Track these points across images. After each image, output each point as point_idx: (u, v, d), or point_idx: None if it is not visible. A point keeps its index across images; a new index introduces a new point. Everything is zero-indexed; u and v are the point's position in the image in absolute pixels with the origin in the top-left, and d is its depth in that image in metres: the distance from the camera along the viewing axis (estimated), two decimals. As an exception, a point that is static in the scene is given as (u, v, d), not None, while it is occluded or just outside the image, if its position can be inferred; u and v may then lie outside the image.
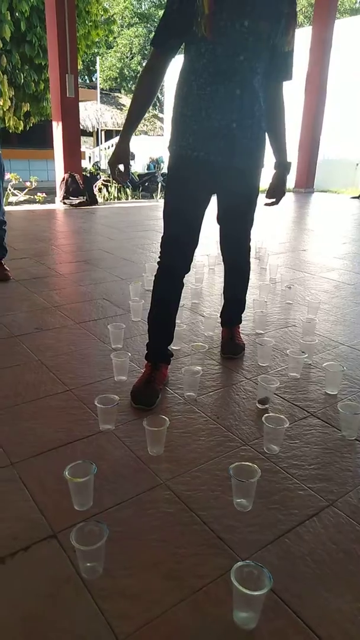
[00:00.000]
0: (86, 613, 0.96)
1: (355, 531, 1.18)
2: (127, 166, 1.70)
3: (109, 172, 1.71)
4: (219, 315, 2.26)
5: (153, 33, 1.63)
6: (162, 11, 1.60)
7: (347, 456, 1.46)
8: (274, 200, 1.88)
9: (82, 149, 11.82)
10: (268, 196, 1.88)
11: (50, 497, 1.26)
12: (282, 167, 1.84)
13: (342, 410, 1.54)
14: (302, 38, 9.21)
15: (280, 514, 1.22)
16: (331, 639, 0.92)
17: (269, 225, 5.38)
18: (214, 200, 1.80)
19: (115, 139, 16.75)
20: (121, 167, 1.69)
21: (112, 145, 16.55)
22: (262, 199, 1.85)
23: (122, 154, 1.68)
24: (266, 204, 1.88)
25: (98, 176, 8.51)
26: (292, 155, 8.65)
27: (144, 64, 1.62)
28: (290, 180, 9.00)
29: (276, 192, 1.87)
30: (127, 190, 8.79)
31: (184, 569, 1.06)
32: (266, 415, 1.49)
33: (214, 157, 1.63)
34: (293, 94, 8.44)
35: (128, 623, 0.94)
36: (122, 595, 1.00)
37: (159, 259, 1.78)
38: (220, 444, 1.51)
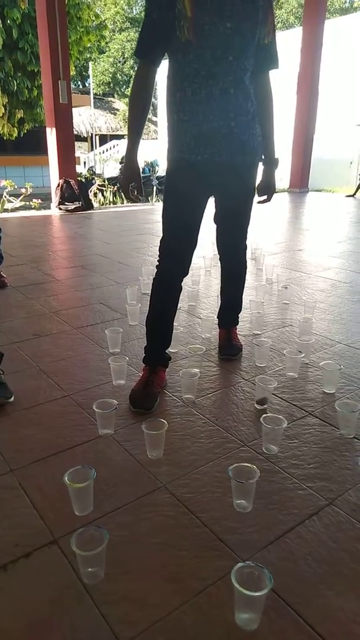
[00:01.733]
0: (88, 618, 0.96)
1: (356, 529, 1.18)
2: (140, 183, 1.71)
3: (121, 190, 1.73)
4: (216, 316, 2.26)
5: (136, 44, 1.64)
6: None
7: (346, 454, 1.47)
8: (265, 197, 1.89)
9: (77, 154, 11.86)
10: (259, 194, 1.89)
11: (50, 503, 1.26)
12: (270, 163, 1.85)
13: (340, 408, 1.55)
14: (293, 38, 9.27)
15: (280, 514, 1.23)
16: (333, 637, 0.92)
17: (265, 226, 5.39)
18: (210, 200, 1.81)
19: (111, 143, 16.81)
20: (133, 185, 1.70)
21: (107, 150, 16.58)
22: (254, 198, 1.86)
23: (133, 173, 1.69)
24: (259, 202, 1.90)
25: (93, 181, 8.53)
26: (286, 155, 8.70)
27: (135, 71, 1.63)
28: (285, 181, 9.03)
29: (267, 189, 1.88)
30: (122, 193, 8.80)
31: (185, 572, 1.06)
32: (264, 415, 1.49)
33: (218, 157, 1.64)
34: (285, 94, 8.48)
35: (130, 627, 0.94)
36: (124, 599, 1.00)
37: (157, 263, 1.79)
38: (220, 445, 1.51)
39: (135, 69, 1.66)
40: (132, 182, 1.70)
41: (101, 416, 1.54)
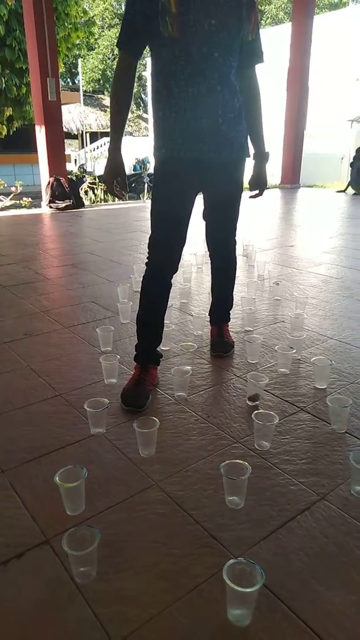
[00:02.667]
0: (81, 618, 0.96)
1: (347, 523, 1.19)
2: (124, 179, 1.68)
3: (105, 187, 1.69)
4: (207, 313, 2.26)
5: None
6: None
7: (338, 449, 1.47)
8: (257, 192, 1.89)
9: (67, 151, 11.78)
10: (251, 189, 1.89)
11: (42, 503, 1.26)
12: (260, 157, 1.85)
13: (331, 403, 1.56)
14: (283, 34, 9.26)
15: (272, 510, 1.23)
16: (325, 631, 0.93)
17: (256, 222, 5.39)
18: (199, 197, 1.80)
19: (102, 140, 16.72)
20: (118, 179, 1.67)
21: (98, 147, 16.50)
22: (246, 193, 1.86)
23: (117, 168, 1.66)
24: (251, 197, 1.90)
25: (84, 179, 8.49)
26: (277, 151, 8.70)
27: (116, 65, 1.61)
28: (276, 177, 9.03)
29: (258, 183, 1.88)
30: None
31: (178, 569, 1.06)
32: (256, 412, 1.50)
33: (206, 154, 1.64)
34: (276, 90, 8.47)
35: (123, 626, 0.94)
36: (116, 598, 1.00)
37: (147, 261, 1.78)
38: (212, 442, 1.51)
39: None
40: (116, 177, 1.66)
41: (92, 415, 1.53)
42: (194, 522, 1.19)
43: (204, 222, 1.97)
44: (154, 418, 1.45)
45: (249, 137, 1.80)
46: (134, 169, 12.73)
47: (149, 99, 17.83)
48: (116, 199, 8.46)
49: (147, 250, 1.78)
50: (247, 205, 1.90)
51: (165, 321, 1.88)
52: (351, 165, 8.24)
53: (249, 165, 1.88)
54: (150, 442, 1.44)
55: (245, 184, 1.91)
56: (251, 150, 1.83)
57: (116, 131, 1.64)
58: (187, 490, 1.30)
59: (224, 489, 1.26)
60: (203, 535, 1.15)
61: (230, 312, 2.23)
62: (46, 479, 1.33)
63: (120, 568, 1.07)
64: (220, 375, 1.95)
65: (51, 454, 1.46)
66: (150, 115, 17.98)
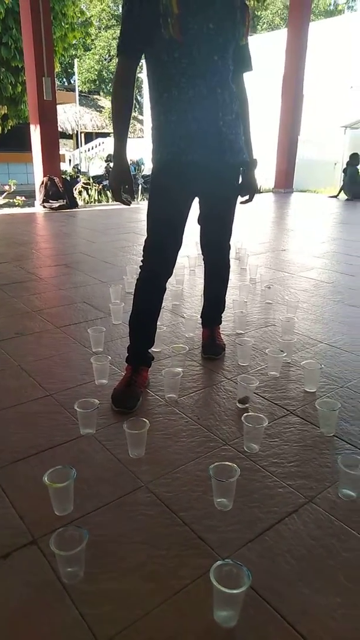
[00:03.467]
0: (67, 618, 0.96)
1: (334, 526, 1.19)
2: (131, 185, 1.66)
3: (111, 195, 1.67)
4: (199, 316, 2.27)
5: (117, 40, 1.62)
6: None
7: (326, 452, 1.48)
8: (247, 198, 1.90)
9: (62, 151, 11.76)
10: (241, 195, 1.90)
11: (30, 503, 1.25)
12: (250, 164, 1.86)
13: (320, 407, 1.57)
14: (278, 40, 9.32)
15: (260, 512, 1.24)
16: (311, 634, 0.93)
17: (249, 226, 5.42)
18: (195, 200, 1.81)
19: (96, 141, 16.70)
20: (125, 187, 1.64)
21: (93, 148, 16.48)
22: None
23: (123, 174, 1.63)
24: (241, 202, 1.91)
25: (78, 179, 8.47)
26: (271, 156, 8.75)
27: (115, 68, 1.61)
28: (270, 181, 9.09)
29: (248, 189, 1.89)
30: (108, 192, 8.76)
31: (165, 571, 1.06)
32: (246, 414, 1.50)
33: (208, 157, 1.64)
34: (270, 95, 8.51)
35: (109, 627, 0.94)
36: (104, 598, 1.00)
37: (141, 264, 1.78)
38: (201, 444, 1.51)
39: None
40: (123, 184, 1.64)
41: (82, 415, 1.53)
42: (182, 524, 1.19)
43: (198, 226, 1.97)
44: (144, 419, 1.45)
45: None
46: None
47: (144, 100, 17.84)
48: (110, 200, 8.46)
49: (142, 253, 1.78)
50: (240, 209, 1.91)
51: (157, 323, 1.88)
52: (344, 171, 8.32)
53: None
54: (140, 443, 1.44)
55: None
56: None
57: (120, 137, 1.62)
58: (176, 492, 1.30)
59: (213, 491, 1.26)
60: (191, 537, 1.15)
61: (222, 315, 2.24)
62: (35, 478, 1.33)
63: (108, 569, 1.07)
64: (210, 377, 1.96)
65: (40, 454, 1.45)
66: (145, 117, 18.00)
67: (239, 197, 1.90)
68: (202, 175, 1.69)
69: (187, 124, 1.60)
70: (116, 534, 1.16)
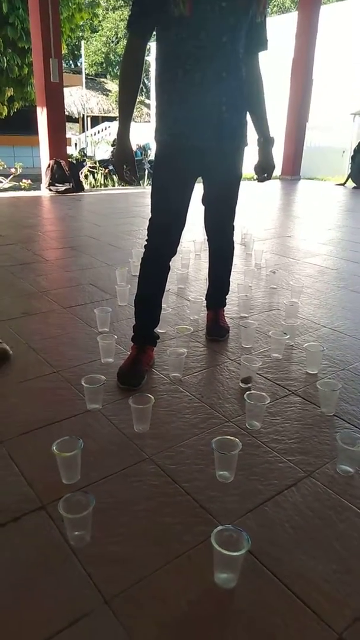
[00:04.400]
0: (74, 577, 1.01)
1: (331, 499, 1.24)
2: (133, 164, 1.68)
3: (115, 173, 1.70)
4: (204, 298, 2.30)
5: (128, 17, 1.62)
6: None
7: (326, 431, 1.52)
8: (265, 175, 1.91)
9: (68, 135, 11.67)
10: (259, 173, 1.91)
11: (38, 472, 1.30)
12: (266, 142, 1.87)
13: (321, 387, 1.60)
14: (289, 24, 9.18)
15: (260, 485, 1.28)
16: (307, 595, 0.98)
17: (255, 212, 5.41)
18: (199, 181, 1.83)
19: (103, 125, 16.56)
20: (127, 166, 1.67)
21: (99, 132, 16.35)
22: (245, 183, 1.88)
23: (125, 153, 1.65)
24: (259, 180, 1.92)
25: (84, 163, 8.44)
26: (278, 142, 8.68)
27: (124, 46, 1.61)
28: (277, 168, 9.02)
29: (266, 167, 1.90)
30: (114, 176, 8.73)
31: (168, 536, 1.11)
32: (248, 392, 1.54)
33: (208, 142, 1.65)
34: (279, 81, 8.41)
35: (114, 585, 0.99)
36: (109, 560, 1.05)
37: (146, 243, 1.81)
38: (204, 421, 1.56)
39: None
40: (125, 165, 1.67)
41: (89, 391, 1.57)
42: (185, 494, 1.24)
43: (202, 207, 1.99)
44: (149, 395, 1.49)
45: (253, 123, 1.82)
46: (135, 154, 12.64)
47: (151, 84, 17.62)
48: (117, 184, 8.43)
49: (147, 232, 1.80)
50: (247, 194, 1.94)
51: (162, 305, 1.91)
52: (352, 158, 8.24)
53: (253, 151, 1.90)
54: (145, 418, 1.48)
55: (250, 170, 1.93)
56: (255, 136, 1.85)
57: (125, 116, 1.63)
58: (179, 465, 1.35)
59: (215, 464, 1.30)
60: (193, 506, 1.20)
61: (227, 298, 2.27)
62: (43, 449, 1.37)
63: (114, 533, 1.11)
64: (214, 358, 1.99)
65: (48, 427, 1.50)
66: (152, 101, 17.81)
67: (256, 176, 1.91)
68: (202, 159, 1.70)
69: (188, 107, 1.60)
70: (121, 501, 1.21)
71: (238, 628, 0.92)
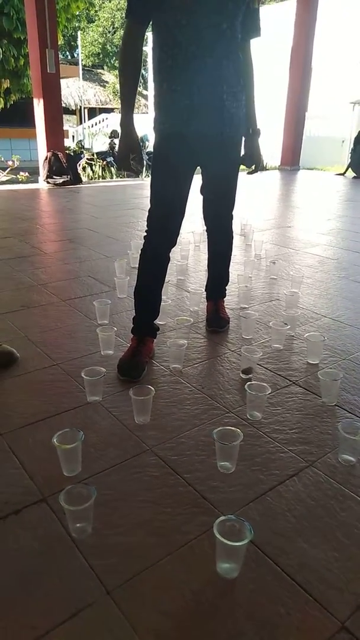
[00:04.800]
0: (76, 569, 1.00)
1: (333, 488, 1.23)
2: (140, 154, 1.63)
3: (112, 165, 1.66)
4: (204, 289, 2.28)
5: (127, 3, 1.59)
6: None
7: (327, 420, 1.52)
8: (252, 168, 1.89)
9: (65, 127, 11.59)
10: (247, 166, 1.90)
11: (39, 464, 1.30)
12: (253, 134, 1.85)
13: (322, 377, 1.59)
14: (287, 12, 9.07)
15: (262, 475, 1.27)
16: (308, 584, 0.98)
17: (255, 203, 5.38)
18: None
19: (100, 116, 16.43)
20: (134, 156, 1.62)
21: (97, 124, 16.23)
22: (242, 174, 1.86)
23: (132, 143, 1.60)
24: (248, 173, 1.90)
25: (82, 155, 8.38)
26: (278, 132, 8.61)
27: (123, 33, 1.58)
28: (276, 158, 8.96)
29: (253, 159, 1.88)
30: (112, 168, 8.67)
31: (170, 527, 1.11)
32: (249, 383, 1.53)
33: (209, 130, 1.63)
34: (277, 70, 8.31)
35: (116, 576, 0.99)
36: (111, 552, 1.04)
37: (145, 234, 1.79)
38: (205, 412, 1.55)
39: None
40: (131, 153, 1.61)
41: (89, 383, 1.57)
42: (187, 485, 1.23)
43: (201, 197, 1.97)
44: (149, 386, 1.48)
45: None
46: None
47: (149, 75, 17.45)
48: (114, 176, 8.38)
49: (146, 224, 1.79)
50: (246, 185, 1.92)
51: (162, 296, 1.90)
52: (353, 150, 8.17)
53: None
54: (146, 409, 1.47)
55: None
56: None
57: (127, 104, 1.59)
58: (181, 456, 1.34)
59: (216, 455, 1.30)
60: (195, 497, 1.20)
61: (227, 289, 2.26)
62: (44, 442, 1.37)
63: (115, 524, 1.11)
64: (215, 349, 1.99)
65: (48, 420, 1.49)
66: (150, 92, 17.66)
67: (245, 168, 1.89)
68: (202, 147, 1.68)
69: (190, 95, 1.58)
70: (123, 492, 1.20)
71: (241, 618, 0.91)
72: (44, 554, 1.04)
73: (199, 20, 1.50)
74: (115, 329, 1.95)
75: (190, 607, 0.93)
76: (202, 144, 1.67)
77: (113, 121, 15.35)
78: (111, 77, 20.82)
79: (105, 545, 1.06)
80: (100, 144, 12.22)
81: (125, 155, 1.62)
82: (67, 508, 1.04)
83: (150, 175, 1.74)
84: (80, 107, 17.88)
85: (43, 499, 1.18)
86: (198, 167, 1.79)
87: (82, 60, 19.17)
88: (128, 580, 0.98)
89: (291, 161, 8.78)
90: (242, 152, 1.87)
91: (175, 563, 1.02)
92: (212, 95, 1.59)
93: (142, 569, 1.00)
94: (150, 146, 11.22)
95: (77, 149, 9.88)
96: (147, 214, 1.78)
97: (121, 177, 7.77)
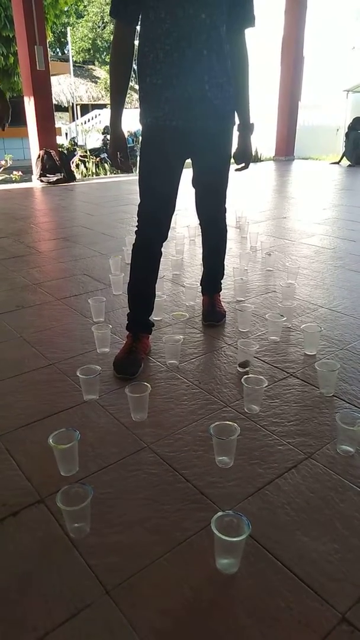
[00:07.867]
0: (75, 569, 1.00)
1: (332, 480, 1.23)
2: (125, 152, 1.70)
3: (110, 163, 1.72)
4: (199, 284, 2.27)
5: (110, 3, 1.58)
6: None
7: (325, 412, 1.51)
8: (243, 165, 1.87)
9: (58, 124, 11.52)
10: (236, 162, 1.88)
11: (36, 465, 1.29)
12: (245, 129, 1.82)
13: (320, 368, 1.58)
14: (277, 0, 8.98)
15: (260, 468, 1.27)
16: (309, 577, 0.97)
17: (250, 194, 5.35)
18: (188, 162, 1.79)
19: (93, 113, 16.34)
20: (120, 154, 1.70)
21: (89, 120, 16.13)
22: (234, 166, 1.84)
23: (118, 142, 1.69)
24: (237, 170, 1.88)
25: (75, 152, 8.33)
26: (271, 123, 8.55)
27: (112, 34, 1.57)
28: (270, 149, 8.91)
29: (244, 155, 1.86)
30: (105, 165, 8.63)
31: (169, 524, 1.10)
32: (245, 376, 1.52)
33: (192, 123, 1.62)
34: (269, 59, 8.24)
35: (116, 575, 0.98)
36: (110, 551, 1.04)
37: (136, 229, 1.78)
38: (202, 407, 1.54)
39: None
40: (118, 152, 1.69)
41: (85, 382, 1.56)
42: (185, 481, 1.23)
43: (193, 190, 1.95)
44: (145, 383, 1.47)
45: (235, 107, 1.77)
46: (127, 141, 12.48)
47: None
48: (108, 173, 8.34)
49: (137, 219, 1.77)
50: (240, 177, 1.89)
51: (157, 292, 1.89)
52: (346, 135, 8.12)
53: (235, 136, 1.85)
54: (142, 406, 1.46)
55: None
56: (236, 121, 1.80)
57: (116, 104, 1.64)
58: (178, 452, 1.33)
59: (214, 450, 1.29)
60: (193, 492, 1.19)
61: (222, 282, 2.24)
62: (40, 442, 1.36)
63: (114, 523, 1.10)
64: (211, 343, 1.98)
65: (44, 420, 1.48)
66: (142, 87, 17.52)
67: (235, 164, 1.87)
68: (188, 140, 1.67)
69: (172, 88, 1.56)
70: (121, 491, 1.20)
71: (241, 613, 0.91)
72: (42, 555, 1.03)
73: (176, 11, 1.48)
74: (111, 326, 1.94)
75: (190, 604, 0.93)
76: (188, 135, 1.65)
77: (105, 117, 15.26)
78: (102, 72, 20.66)
79: (104, 545, 1.05)
80: (94, 141, 12.16)
81: (113, 155, 1.70)
82: (64, 508, 1.03)
83: (138, 167, 1.73)
84: (73, 103, 17.77)
85: (41, 500, 1.18)
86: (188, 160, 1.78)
87: (72, 56, 19.04)
88: (127, 579, 0.97)
89: (285, 151, 8.73)
90: (235, 147, 1.84)
91: (175, 560, 1.01)
92: (193, 86, 1.57)
93: (141, 568, 1.00)
94: (143, 141, 11.19)
95: (70, 146, 9.82)
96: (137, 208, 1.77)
97: (115, 173, 7.72)
